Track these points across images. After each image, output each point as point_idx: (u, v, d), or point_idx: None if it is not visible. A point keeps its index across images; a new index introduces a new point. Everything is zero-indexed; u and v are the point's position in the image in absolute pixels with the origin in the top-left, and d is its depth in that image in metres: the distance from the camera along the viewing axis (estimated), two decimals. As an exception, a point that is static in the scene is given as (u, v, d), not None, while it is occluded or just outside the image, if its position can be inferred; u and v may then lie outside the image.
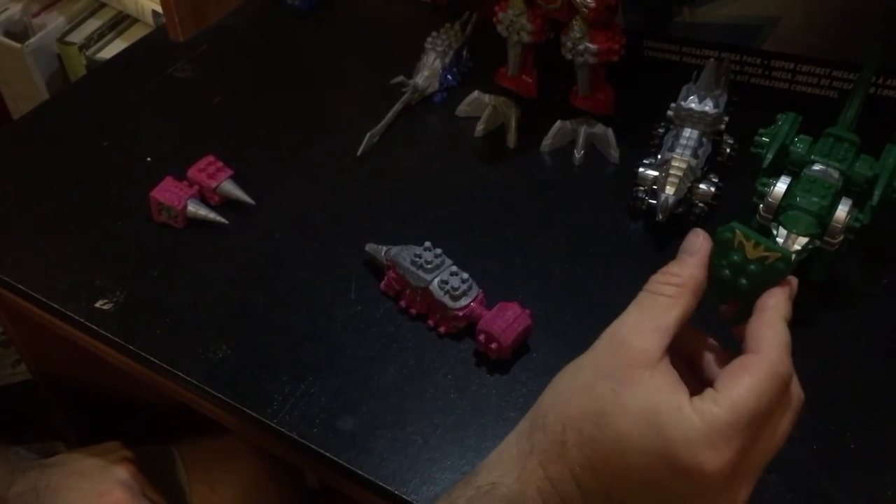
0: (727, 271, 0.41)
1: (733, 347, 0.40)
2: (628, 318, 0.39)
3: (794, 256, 0.40)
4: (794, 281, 0.40)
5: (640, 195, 0.66)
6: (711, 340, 0.43)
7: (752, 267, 0.40)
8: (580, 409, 0.37)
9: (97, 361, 0.67)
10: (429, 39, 0.80)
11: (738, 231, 0.40)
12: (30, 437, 0.92)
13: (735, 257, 0.40)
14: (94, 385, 0.86)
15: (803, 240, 0.53)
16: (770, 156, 0.58)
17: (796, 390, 0.39)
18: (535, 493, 0.38)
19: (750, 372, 0.36)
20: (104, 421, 0.87)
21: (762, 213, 0.57)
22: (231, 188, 0.68)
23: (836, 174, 0.56)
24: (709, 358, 0.42)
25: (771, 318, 0.38)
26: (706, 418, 0.35)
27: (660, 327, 0.38)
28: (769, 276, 0.40)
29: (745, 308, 0.41)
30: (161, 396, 0.64)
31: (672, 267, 0.40)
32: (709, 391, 0.36)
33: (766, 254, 0.39)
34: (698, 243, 0.41)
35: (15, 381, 1.13)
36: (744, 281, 0.40)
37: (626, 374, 0.37)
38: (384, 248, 0.62)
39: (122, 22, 1.07)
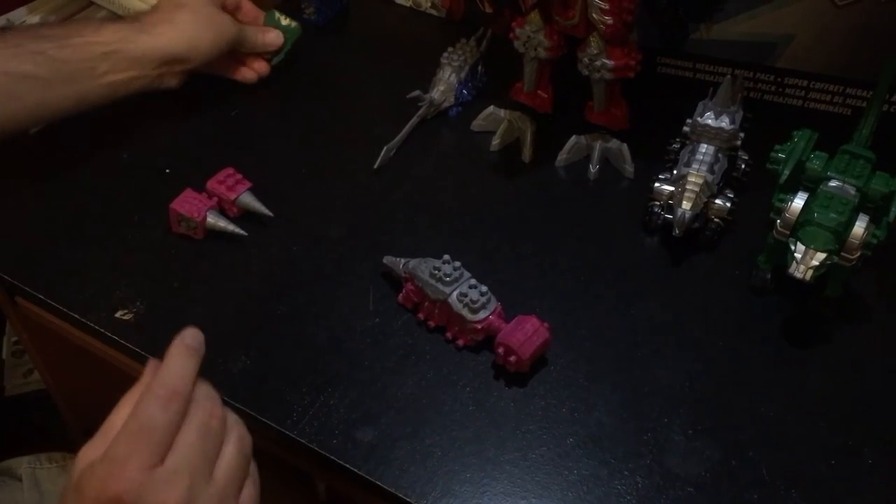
0: None
1: None
2: None
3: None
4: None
5: (656, 210, 0.67)
6: None
7: None
8: None
9: (112, 371, 0.67)
10: (445, 54, 0.81)
11: None
12: (42, 448, 0.92)
13: None
14: (109, 395, 0.86)
15: (821, 255, 0.53)
16: (786, 172, 0.58)
17: None
18: None
19: None
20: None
21: (779, 228, 0.57)
22: (249, 200, 0.69)
23: (852, 190, 0.56)
24: None
25: None
26: None
27: None
28: None
29: None
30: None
31: None
32: None
33: None
34: None
35: (27, 391, 1.13)
36: None
37: None
38: (402, 261, 0.62)
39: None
